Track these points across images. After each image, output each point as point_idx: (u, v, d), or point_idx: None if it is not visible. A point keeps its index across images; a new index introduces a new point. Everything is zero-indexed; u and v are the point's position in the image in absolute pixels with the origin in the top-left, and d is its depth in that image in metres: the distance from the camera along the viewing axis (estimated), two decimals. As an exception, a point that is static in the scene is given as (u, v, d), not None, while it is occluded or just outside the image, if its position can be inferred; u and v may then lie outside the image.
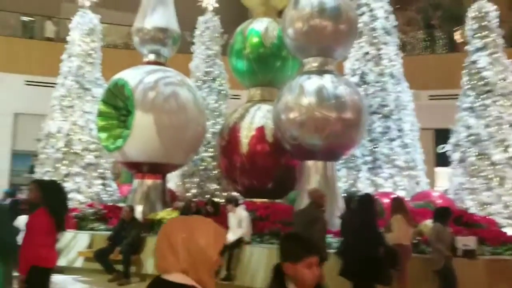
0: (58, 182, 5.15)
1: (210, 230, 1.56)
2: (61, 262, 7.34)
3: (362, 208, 5.38)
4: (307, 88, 7.44)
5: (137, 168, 9.28)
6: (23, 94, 15.68)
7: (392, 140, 9.20)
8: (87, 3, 11.07)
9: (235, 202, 7.15)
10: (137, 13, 9.64)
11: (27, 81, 15.86)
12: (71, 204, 9.41)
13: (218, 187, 10.54)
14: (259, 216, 7.59)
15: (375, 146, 9.17)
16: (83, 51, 10.72)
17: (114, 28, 18.63)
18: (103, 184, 10.28)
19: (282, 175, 8.88)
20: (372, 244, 5.01)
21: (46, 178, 9.69)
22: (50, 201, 4.36)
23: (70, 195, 9.64)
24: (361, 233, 5.05)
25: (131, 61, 9.92)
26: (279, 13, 10.27)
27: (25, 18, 17.87)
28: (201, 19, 11.91)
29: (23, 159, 15.25)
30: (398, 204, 6.32)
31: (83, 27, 10.79)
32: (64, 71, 10.67)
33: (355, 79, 9.53)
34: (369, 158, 9.17)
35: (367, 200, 5.47)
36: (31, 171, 12.69)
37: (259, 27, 9.59)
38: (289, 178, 8.97)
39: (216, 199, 9.06)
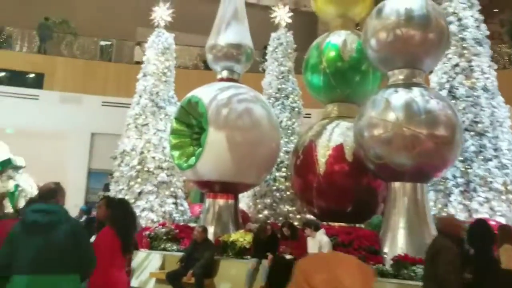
0: (127, 200, 4.93)
1: (354, 267, 1.13)
2: (133, 283, 7.14)
3: (476, 237, 4.61)
4: (394, 102, 6.82)
5: (209, 187, 9.02)
6: (100, 114, 16.20)
7: (487, 160, 8.25)
8: (162, 23, 11.19)
9: (314, 226, 6.60)
10: (205, 35, 9.57)
11: (104, 102, 16.38)
12: (144, 223, 9.34)
13: (291, 209, 10.03)
14: (341, 242, 6.98)
15: (468, 166, 8.26)
16: (158, 69, 10.78)
17: (184, 50, 19.00)
18: (175, 203, 10.13)
19: (363, 197, 8.21)
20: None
21: (120, 196, 9.72)
22: (116, 219, 4.12)
23: (143, 214, 9.57)
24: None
25: (201, 81, 9.78)
26: (357, 25, 9.77)
27: (103, 43, 18.65)
28: (273, 35, 11.63)
29: (99, 177, 15.63)
30: (506, 232, 5.48)
31: (158, 46, 10.89)
32: (139, 89, 10.78)
33: (443, 93, 8.72)
34: (461, 180, 8.26)
35: (482, 229, 4.70)
36: (106, 189, 12.91)
37: (337, 40, 9.10)
38: (371, 200, 8.29)
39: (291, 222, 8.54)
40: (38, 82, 16.10)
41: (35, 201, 4.37)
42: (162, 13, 11.22)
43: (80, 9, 19.98)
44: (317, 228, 6.62)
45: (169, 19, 11.29)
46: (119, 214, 4.18)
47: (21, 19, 17.57)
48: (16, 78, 15.91)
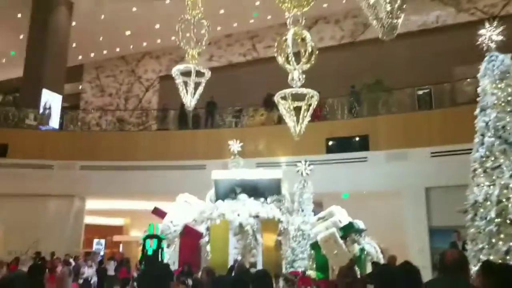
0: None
1: None
2: None
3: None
4: None
5: None
6: (431, 167, 15.02)
7: None
8: (492, 45, 9.43)
9: None
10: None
11: (433, 153, 15.16)
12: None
13: None
14: None
15: None
16: (499, 99, 8.93)
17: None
18: None
19: None
20: None
21: (481, 256, 8.04)
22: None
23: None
24: None
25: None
26: None
27: (419, 92, 17.82)
28: None
29: (442, 235, 14.14)
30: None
31: (494, 72, 9.11)
32: (480, 127, 9.10)
33: None
34: None
35: None
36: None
37: None
38: None
39: None
40: (363, 144, 16.29)
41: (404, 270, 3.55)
42: (490, 34, 9.48)
43: (390, 66, 20.01)
44: None
45: (500, 38, 9.43)
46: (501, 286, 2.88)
47: (337, 89, 18.66)
48: (343, 144, 16.56)
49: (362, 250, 12.87)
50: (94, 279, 15.99)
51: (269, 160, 17.25)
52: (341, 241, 12.71)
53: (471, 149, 9.37)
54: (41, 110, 20.60)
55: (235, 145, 15.92)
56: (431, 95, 17.41)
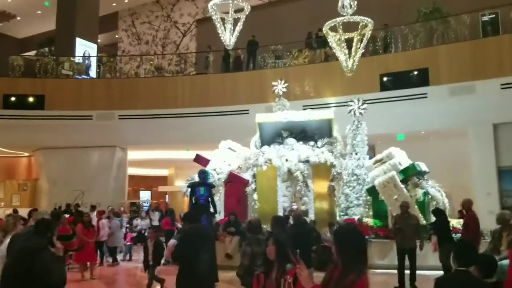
0: None
1: None
2: None
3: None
4: None
5: None
6: (500, 100, 13.31)
7: None
8: None
9: None
10: None
11: (503, 84, 13.37)
12: None
13: None
14: None
15: None
16: None
17: None
18: None
19: None
20: None
21: None
22: None
23: None
24: None
25: None
26: None
27: (485, 18, 15.72)
28: None
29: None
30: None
31: None
32: None
33: None
34: None
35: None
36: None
37: None
38: None
39: None
40: (423, 79, 14.57)
41: None
42: None
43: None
44: None
45: None
46: None
47: (394, 19, 16.84)
48: (399, 80, 14.88)
49: (425, 194, 11.62)
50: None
51: (317, 101, 15.91)
52: (401, 185, 11.50)
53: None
54: (80, 60, 19.93)
55: (279, 86, 14.75)
56: (498, 19, 15.30)
